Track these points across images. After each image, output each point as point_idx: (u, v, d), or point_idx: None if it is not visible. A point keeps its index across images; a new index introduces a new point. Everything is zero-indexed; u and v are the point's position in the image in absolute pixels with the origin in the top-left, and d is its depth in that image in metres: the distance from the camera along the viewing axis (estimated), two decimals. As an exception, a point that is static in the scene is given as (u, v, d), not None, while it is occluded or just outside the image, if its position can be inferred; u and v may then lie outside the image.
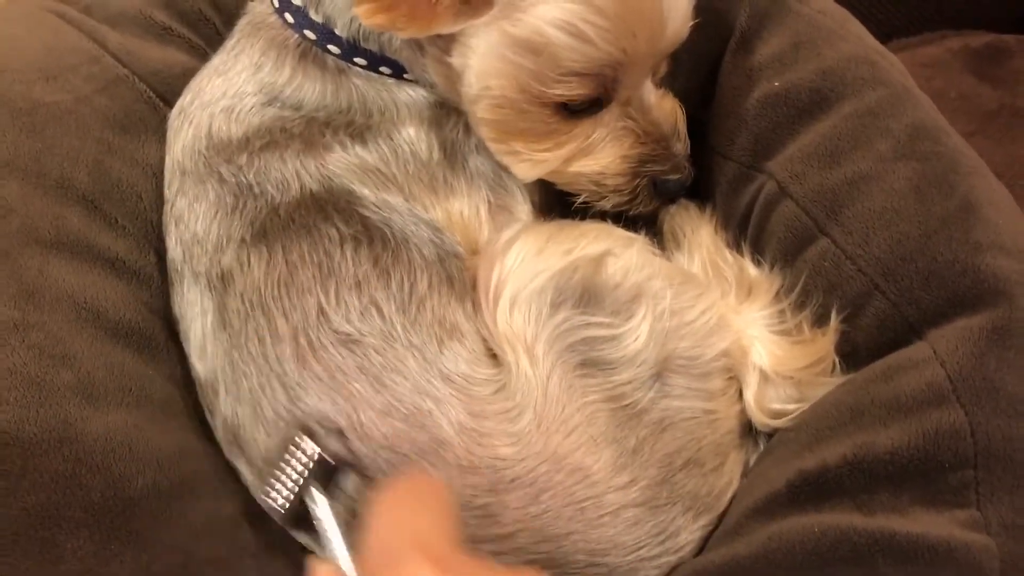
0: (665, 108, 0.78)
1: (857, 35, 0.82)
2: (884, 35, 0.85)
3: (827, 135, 0.76)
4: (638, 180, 0.78)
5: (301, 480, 0.64)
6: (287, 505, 0.65)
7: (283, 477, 0.65)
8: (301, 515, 0.65)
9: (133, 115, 0.82)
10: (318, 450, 0.65)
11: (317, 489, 0.64)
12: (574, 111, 0.74)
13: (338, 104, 0.76)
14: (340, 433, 0.66)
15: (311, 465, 0.64)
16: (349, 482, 0.66)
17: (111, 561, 0.63)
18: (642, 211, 0.80)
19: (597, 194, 0.79)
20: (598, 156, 0.76)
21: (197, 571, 0.66)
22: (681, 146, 0.79)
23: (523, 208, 0.81)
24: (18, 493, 0.60)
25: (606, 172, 0.77)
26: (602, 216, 0.80)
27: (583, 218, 0.80)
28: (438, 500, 0.50)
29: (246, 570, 0.68)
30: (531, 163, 0.75)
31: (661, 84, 0.79)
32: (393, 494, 0.50)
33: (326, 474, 0.65)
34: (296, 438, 0.65)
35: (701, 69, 0.86)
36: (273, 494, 0.65)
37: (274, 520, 0.71)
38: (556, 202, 0.83)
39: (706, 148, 0.86)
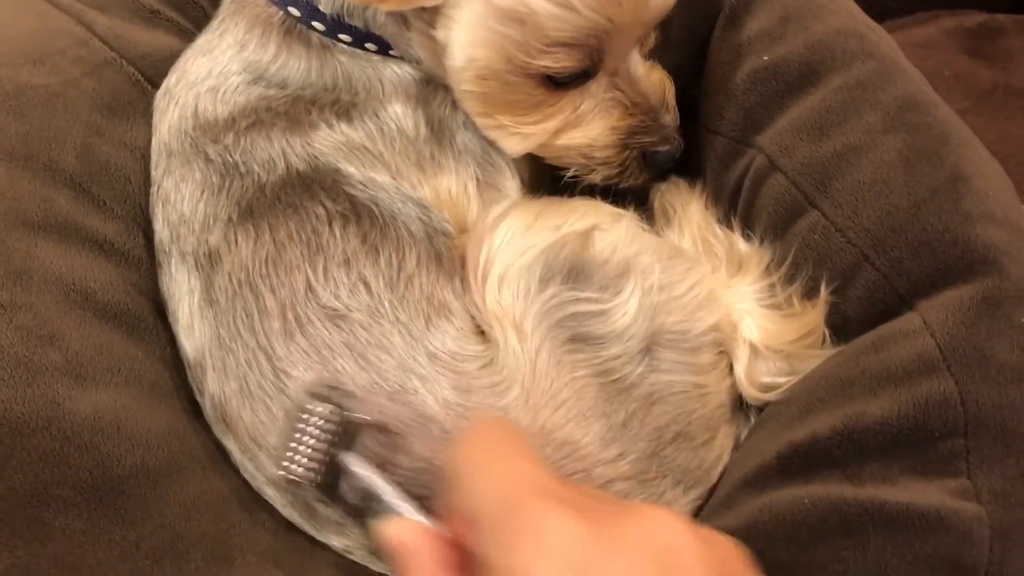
0: (653, 79, 0.77)
1: (846, 9, 0.81)
2: (877, 15, 0.84)
3: (816, 108, 0.75)
4: (627, 152, 0.77)
5: (327, 446, 0.61)
6: (318, 471, 0.61)
7: (302, 446, 0.61)
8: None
9: (121, 98, 0.81)
10: (340, 412, 0.61)
11: (349, 453, 0.61)
12: (561, 83, 0.73)
13: (323, 82, 0.75)
14: (352, 395, 0.65)
15: (334, 428, 0.61)
16: (372, 441, 0.64)
17: (100, 539, 0.63)
18: (632, 184, 0.79)
19: (586, 167, 0.78)
20: (586, 128, 0.76)
21: (186, 549, 0.65)
22: (670, 117, 0.78)
23: (511, 184, 0.80)
24: (6, 472, 0.60)
25: (595, 144, 0.76)
26: (591, 193, 0.80)
27: (572, 195, 0.80)
28: (524, 440, 0.49)
29: (235, 548, 0.67)
30: (519, 137, 0.75)
31: (650, 57, 0.78)
32: (477, 444, 0.49)
33: (349, 437, 0.62)
34: (308, 404, 0.62)
35: (691, 45, 0.86)
36: (298, 465, 0.61)
37: (265, 498, 0.71)
38: (545, 179, 0.83)
39: (696, 124, 0.86)
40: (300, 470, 0.61)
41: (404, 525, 0.53)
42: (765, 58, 0.79)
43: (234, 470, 0.72)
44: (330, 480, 0.61)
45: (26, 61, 0.77)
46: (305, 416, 0.61)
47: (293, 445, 0.61)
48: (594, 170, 0.78)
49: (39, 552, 0.60)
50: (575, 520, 0.42)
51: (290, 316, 0.68)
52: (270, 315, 0.68)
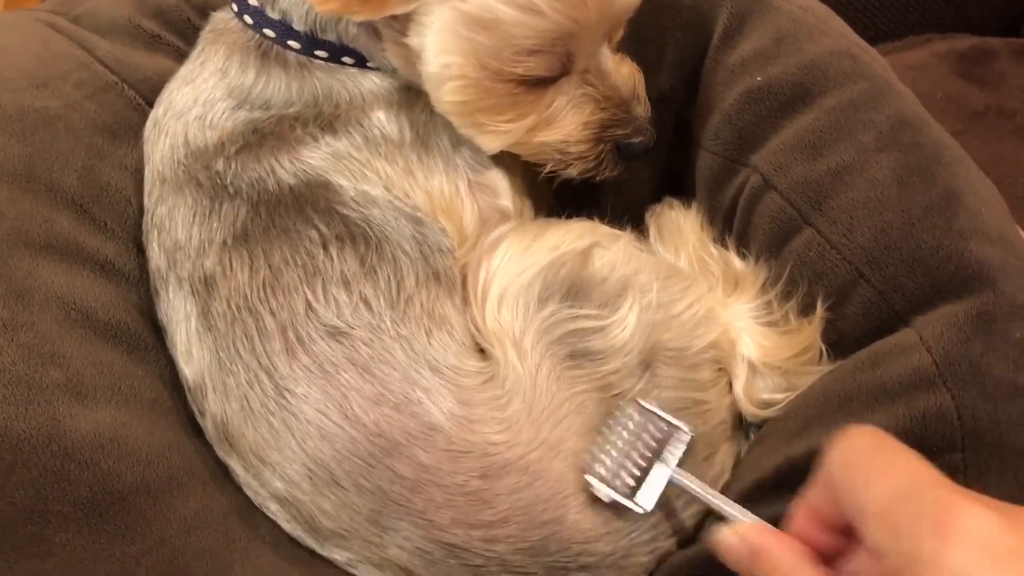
0: (623, 73, 0.77)
1: (839, 31, 0.82)
2: (870, 38, 0.85)
3: (810, 128, 0.76)
4: (601, 146, 0.77)
5: (643, 452, 0.66)
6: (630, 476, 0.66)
7: (623, 455, 0.66)
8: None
9: (122, 121, 0.82)
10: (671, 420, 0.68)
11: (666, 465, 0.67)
12: (534, 82, 0.73)
13: (305, 99, 0.76)
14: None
15: (653, 436, 0.67)
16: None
17: (100, 555, 0.63)
18: (608, 176, 0.79)
19: (562, 162, 0.78)
20: (560, 125, 0.76)
21: (186, 564, 0.66)
22: (641, 109, 0.78)
23: (504, 184, 0.80)
24: (7, 489, 0.61)
25: (569, 140, 0.76)
26: (588, 215, 0.81)
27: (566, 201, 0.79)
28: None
29: (235, 563, 0.67)
30: (494, 134, 0.74)
31: (619, 50, 0.78)
32: (861, 445, 0.49)
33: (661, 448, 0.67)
34: (631, 411, 0.68)
35: (686, 66, 0.86)
36: (617, 475, 0.66)
37: (265, 513, 0.71)
38: (540, 175, 0.82)
39: (691, 143, 0.87)
40: (610, 475, 0.66)
41: (750, 530, 0.53)
42: (759, 78, 0.80)
43: (234, 486, 0.72)
44: (631, 487, 0.67)
45: (29, 84, 0.78)
46: (626, 423, 0.68)
47: (612, 451, 0.67)
48: (570, 165, 0.78)
49: (39, 568, 0.61)
50: (991, 512, 0.41)
51: (291, 336, 0.68)
52: (270, 336, 0.68)
